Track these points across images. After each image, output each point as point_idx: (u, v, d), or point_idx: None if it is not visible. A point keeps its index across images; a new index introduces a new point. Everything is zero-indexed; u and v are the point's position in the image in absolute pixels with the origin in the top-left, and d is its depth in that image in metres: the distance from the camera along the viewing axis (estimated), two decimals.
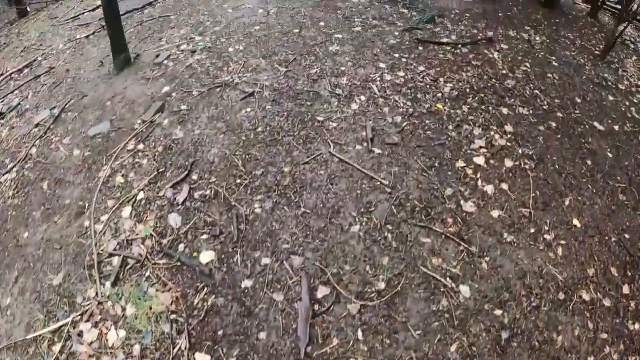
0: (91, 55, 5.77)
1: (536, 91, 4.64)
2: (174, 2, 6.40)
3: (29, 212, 3.66)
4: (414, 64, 4.50)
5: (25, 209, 3.69)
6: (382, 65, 4.42)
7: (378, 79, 4.22)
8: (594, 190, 3.77)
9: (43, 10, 9.66)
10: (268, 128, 3.66)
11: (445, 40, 5.08)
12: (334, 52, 4.56)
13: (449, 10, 5.92)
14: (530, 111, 4.31)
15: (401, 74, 4.33)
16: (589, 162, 4.01)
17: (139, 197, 3.41)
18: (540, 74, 4.96)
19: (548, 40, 5.81)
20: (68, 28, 7.20)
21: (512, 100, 4.37)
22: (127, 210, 3.35)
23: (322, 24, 5.13)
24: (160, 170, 3.53)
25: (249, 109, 3.83)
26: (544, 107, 4.44)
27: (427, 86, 4.22)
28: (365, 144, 3.56)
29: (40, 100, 5.16)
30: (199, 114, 3.88)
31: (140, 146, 3.81)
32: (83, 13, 7.76)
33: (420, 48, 4.81)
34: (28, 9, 10.37)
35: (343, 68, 4.32)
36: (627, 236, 3.55)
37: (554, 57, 5.39)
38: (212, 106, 3.93)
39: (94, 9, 7.67)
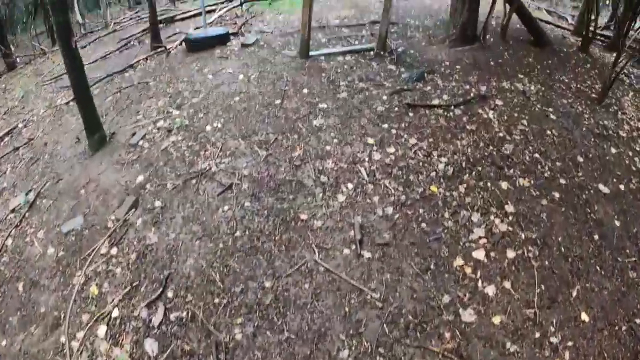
0: (69, 126, 5.43)
1: (536, 155, 4.25)
2: (155, 65, 6.07)
3: (6, 317, 3.39)
4: (405, 136, 4.12)
5: (2, 312, 3.42)
6: (370, 140, 4.03)
7: (366, 158, 3.83)
8: (603, 273, 3.37)
9: (30, 64, 9.39)
10: (247, 232, 3.27)
11: (436, 101, 4.70)
12: (318, 127, 4.18)
13: (438, 63, 5.56)
14: (532, 182, 3.92)
15: (391, 150, 3.94)
16: (596, 236, 3.60)
17: (113, 315, 3.06)
18: (539, 132, 4.57)
19: (543, 88, 5.43)
20: (50, 90, 6.88)
21: (511, 170, 3.98)
22: (102, 329, 3.02)
23: (305, 91, 4.76)
24: (134, 284, 3.16)
25: (226, 207, 3.44)
26: (546, 174, 4.04)
27: (420, 164, 3.84)
28: (353, 247, 3.17)
29: (18, 179, 4.86)
30: (174, 214, 3.50)
31: (114, 250, 3.44)
32: (65, 73, 7.43)
33: (411, 114, 4.43)
34: (18, 60, 10.11)
35: (328, 147, 3.94)
36: (638, 321, 3.15)
37: (551, 109, 5.01)
38: (187, 203, 3.54)
39: None
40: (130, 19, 10.71)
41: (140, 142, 4.35)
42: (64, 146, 4.99)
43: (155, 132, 4.44)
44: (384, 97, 4.67)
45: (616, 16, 8.71)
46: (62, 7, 3.90)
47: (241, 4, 7.97)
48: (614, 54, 8.29)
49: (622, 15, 8.17)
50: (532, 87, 5.43)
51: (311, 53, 5.59)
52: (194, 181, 3.72)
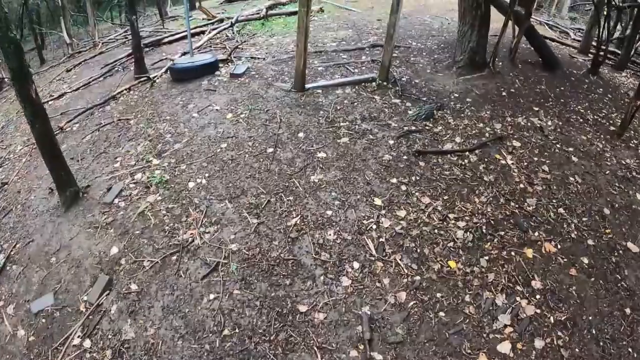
0: (44, 170, 4.76)
1: (561, 210, 3.67)
2: (137, 97, 5.41)
3: None
4: (417, 194, 3.52)
5: None
6: (377, 201, 3.42)
7: (374, 226, 3.22)
8: (635, 355, 2.81)
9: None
10: (237, 330, 2.65)
11: (449, 145, 4.10)
12: (317, 185, 3.56)
13: (447, 96, 4.95)
14: (559, 245, 3.34)
15: (402, 213, 3.34)
16: (627, 310, 3.04)
17: None
18: (562, 179, 4.00)
19: (560, 123, 4.84)
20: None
21: (536, 232, 3.40)
22: None
23: (301, 135, 4.13)
24: None
25: (212, 296, 2.82)
26: (572, 234, 3.47)
27: (435, 231, 3.23)
28: (362, 347, 2.57)
29: None
30: (152, 302, 2.87)
31: (87, 343, 2.82)
32: (47, 101, 6.74)
33: (422, 163, 3.82)
34: (5, 80, 9.39)
35: (329, 212, 3.33)
36: None
37: (571, 148, 4.43)
38: (167, 288, 2.92)
39: (58, 97, 6.67)
40: (121, 36, 10.00)
41: (116, 201, 3.71)
42: (38, 196, 4.34)
43: (132, 187, 3.81)
44: (391, 142, 4.06)
45: (626, 34, 8.19)
46: (17, 51, 3.24)
47: (232, 25, 7.29)
48: (624, 74, 7.84)
49: (630, 33, 7.66)
50: (549, 122, 4.84)
51: (307, 86, 4.97)
52: (174, 257, 3.09)
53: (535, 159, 4.18)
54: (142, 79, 5.85)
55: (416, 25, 7.81)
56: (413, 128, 4.29)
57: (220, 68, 5.80)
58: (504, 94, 5.18)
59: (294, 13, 8.43)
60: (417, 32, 7.30)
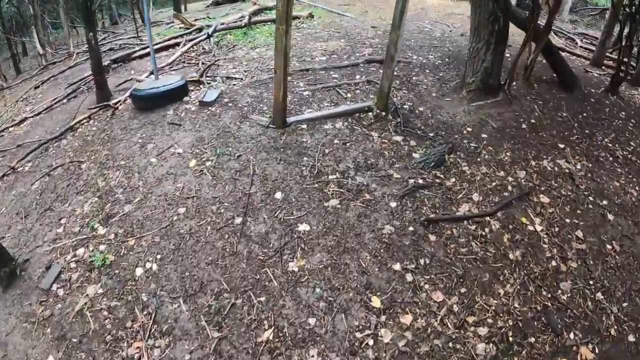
0: None
1: (599, 295, 2.80)
2: (95, 131, 4.37)
3: None
4: (426, 286, 2.58)
5: None
6: (375, 301, 2.48)
7: (370, 342, 2.30)
8: None
9: None
10: None
11: (465, 207, 3.13)
12: (297, 276, 2.60)
13: (459, 131, 3.96)
14: (597, 348, 2.53)
15: (407, 319, 2.41)
16: None
17: None
18: (598, 248, 3.12)
19: (589, 164, 3.90)
20: None
21: (571, 333, 2.57)
22: None
23: (278, 195, 3.15)
24: None
25: None
26: (612, 329, 2.65)
27: (450, 345, 2.32)
28: None
29: None
30: None
31: None
32: (8, 128, 5.66)
33: (432, 237, 2.87)
34: None
35: (312, 321, 2.38)
36: None
37: (605, 201, 3.52)
38: None
39: (19, 122, 5.59)
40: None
41: (54, 287, 2.76)
42: None
43: (73, 267, 2.84)
44: (393, 205, 3.09)
45: None
46: None
47: (209, 37, 6.15)
48: None
49: None
50: (578, 165, 3.89)
51: (290, 119, 3.95)
52: None
53: (568, 220, 3.26)
54: (103, 106, 4.80)
55: (415, 34, 6.73)
56: (420, 181, 3.32)
57: (190, 92, 4.75)
58: (523, 126, 4.21)
59: None
60: (416, 42, 6.23)
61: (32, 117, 5.80)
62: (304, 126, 3.90)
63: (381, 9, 8.44)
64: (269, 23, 7.00)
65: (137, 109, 4.58)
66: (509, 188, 3.48)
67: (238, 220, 2.94)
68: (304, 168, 3.39)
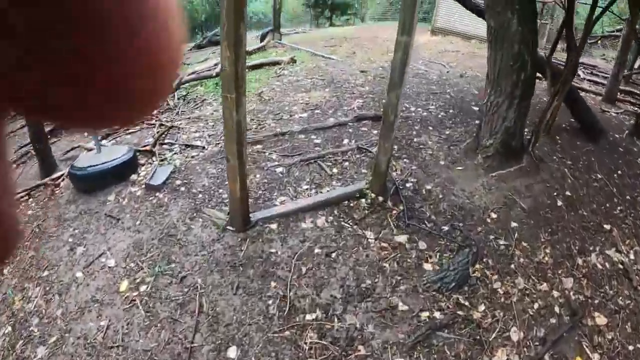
0: None
1: None
2: (30, 215, 3.24)
3: None
4: None
5: None
6: None
7: None
8: None
9: None
10: None
11: (502, 357, 2.06)
12: None
13: (480, 218, 2.87)
14: None
15: None
16: None
17: None
18: None
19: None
20: None
21: None
22: None
23: (232, 353, 1.99)
24: None
25: None
26: None
27: None
28: None
29: None
30: None
31: None
32: None
33: None
34: None
35: None
36: None
37: None
38: None
39: None
40: None
41: None
42: None
43: None
44: None
45: None
46: None
47: (174, 90, 5.19)
48: None
49: None
50: (631, 254, 2.83)
51: (254, 215, 2.85)
52: None
53: (631, 347, 2.16)
54: (41, 185, 3.73)
55: (410, 77, 5.76)
56: (437, 314, 2.21)
57: (140, 167, 3.70)
58: (559, 202, 3.15)
59: (259, 66, 6.36)
60: (413, 89, 5.25)
61: None
62: (274, 226, 2.78)
63: (369, 49, 7.53)
64: (248, 70, 6.07)
65: (77, 189, 3.52)
66: (556, 309, 2.39)
67: None
68: (270, 302, 2.26)
